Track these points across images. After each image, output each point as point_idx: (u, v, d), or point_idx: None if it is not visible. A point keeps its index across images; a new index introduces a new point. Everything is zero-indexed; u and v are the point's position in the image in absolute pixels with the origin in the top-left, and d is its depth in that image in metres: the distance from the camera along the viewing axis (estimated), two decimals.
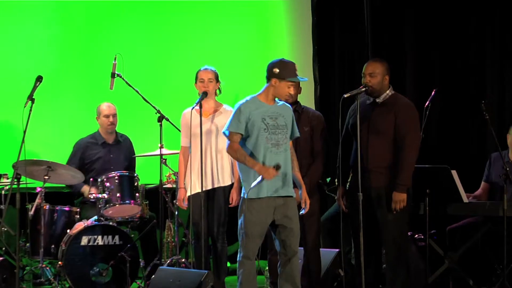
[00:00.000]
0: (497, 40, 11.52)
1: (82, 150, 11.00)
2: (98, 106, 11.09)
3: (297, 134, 8.77)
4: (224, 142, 9.32)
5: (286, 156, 8.57)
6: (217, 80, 9.79)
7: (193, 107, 9.56)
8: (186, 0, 12.26)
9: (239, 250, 8.63)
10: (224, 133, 8.57)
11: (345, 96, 9.19)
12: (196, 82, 9.80)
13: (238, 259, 8.64)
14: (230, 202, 9.77)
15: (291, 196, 8.56)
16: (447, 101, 11.41)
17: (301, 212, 8.71)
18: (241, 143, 8.55)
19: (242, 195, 8.67)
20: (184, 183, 9.87)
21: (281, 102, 8.74)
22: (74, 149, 11.05)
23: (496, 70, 11.48)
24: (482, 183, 10.21)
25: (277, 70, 8.48)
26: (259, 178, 8.30)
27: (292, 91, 8.73)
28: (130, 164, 11.12)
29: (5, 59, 11.84)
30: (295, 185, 8.73)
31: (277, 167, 8.25)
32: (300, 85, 9.66)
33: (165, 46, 12.19)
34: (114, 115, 11.00)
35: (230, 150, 8.55)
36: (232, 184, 9.81)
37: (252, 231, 8.54)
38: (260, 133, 8.52)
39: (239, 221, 8.62)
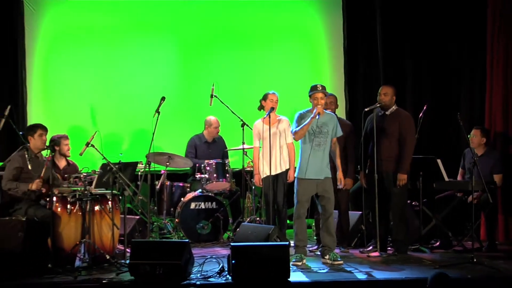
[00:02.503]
0: (467, 70, 11.50)
1: (194, 146, 11.06)
2: (207, 118, 11.06)
3: (340, 133, 8.91)
4: (283, 141, 9.79)
5: (324, 154, 8.77)
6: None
7: (264, 118, 9.72)
8: (256, 44, 12.09)
9: (294, 211, 8.82)
10: (291, 131, 8.85)
11: (366, 109, 9.38)
12: (265, 100, 9.86)
13: (293, 218, 8.84)
14: (288, 179, 9.81)
15: (328, 177, 8.74)
16: (434, 113, 11.31)
17: (338, 187, 8.94)
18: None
19: (296, 175, 8.89)
20: (258, 170, 9.96)
21: (329, 112, 8.98)
22: (188, 144, 11.09)
23: (468, 92, 11.38)
24: (460, 169, 10.16)
25: (309, 92, 8.78)
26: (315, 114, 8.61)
27: (321, 102, 8.66)
28: (223, 155, 11.08)
29: (138, 83, 11.83)
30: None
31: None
32: (337, 103, 9.77)
33: (241, 74, 12.02)
34: (218, 127, 11.07)
35: (296, 135, 8.75)
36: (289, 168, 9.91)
37: (301, 198, 8.76)
38: (308, 135, 8.72)
39: (295, 192, 8.85)
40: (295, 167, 9.12)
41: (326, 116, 8.86)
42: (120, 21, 11.83)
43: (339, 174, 8.93)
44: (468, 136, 9.81)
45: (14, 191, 8.87)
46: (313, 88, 8.77)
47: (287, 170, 9.86)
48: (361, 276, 8.09)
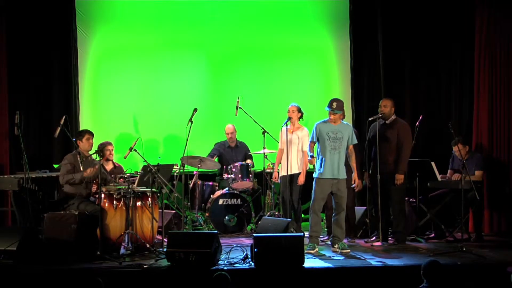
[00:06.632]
0: (457, 86, 11.44)
1: (219, 150, 11.05)
2: (226, 127, 11.04)
3: (355, 141, 8.94)
4: (300, 147, 9.68)
5: (340, 156, 8.76)
6: (299, 111, 9.81)
7: (284, 126, 9.69)
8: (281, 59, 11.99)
9: (310, 206, 8.82)
10: (307, 149, 8.97)
11: (370, 119, 9.42)
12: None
13: (309, 212, 8.84)
14: (298, 182, 9.69)
15: (343, 178, 8.77)
16: (429, 122, 11.09)
17: (352, 186, 9.00)
18: (318, 144, 8.84)
19: (314, 176, 8.87)
20: (278, 169, 9.94)
21: (345, 123, 9.01)
22: (215, 147, 11.07)
23: (457, 103, 11.31)
24: (449, 170, 10.13)
25: (328, 107, 8.80)
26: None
27: (331, 116, 8.75)
28: (245, 158, 10.98)
29: (174, 95, 11.73)
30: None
31: None
32: (344, 113, 9.65)
33: (262, 88, 11.90)
34: (233, 132, 10.95)
35: (309, 148, 8.90)
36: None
37: (317, 196, 8.77)
38: (325, 140, 8.74)
39: (312, 190, 8.83)
40: (306, 170, 9.21)
41: (342, 125, 8.88)
42: (157, 40, 11.78)
43: (354, 175, 8.97)
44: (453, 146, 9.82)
45: (72, 181, 8.96)
46: (328, 105, 8.77)
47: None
48: (365, 263, 8.11)
